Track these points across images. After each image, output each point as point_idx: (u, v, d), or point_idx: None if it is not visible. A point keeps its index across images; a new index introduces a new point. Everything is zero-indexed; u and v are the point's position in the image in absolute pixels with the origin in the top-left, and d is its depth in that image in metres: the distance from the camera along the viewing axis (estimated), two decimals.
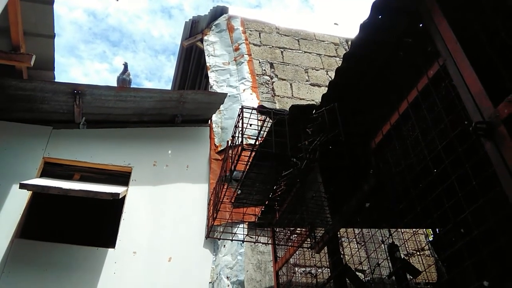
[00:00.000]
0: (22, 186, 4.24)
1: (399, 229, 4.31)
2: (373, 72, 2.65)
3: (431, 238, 5.07)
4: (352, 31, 8.24)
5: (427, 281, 4.40)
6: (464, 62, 1.84)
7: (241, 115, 2.67)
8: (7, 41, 4.78)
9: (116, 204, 5.16)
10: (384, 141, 2.55)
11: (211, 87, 6.75)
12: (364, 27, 2.34)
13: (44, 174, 5.14)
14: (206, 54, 7.38)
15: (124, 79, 6.38)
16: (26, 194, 4.81)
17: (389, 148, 2.51)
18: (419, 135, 2.14)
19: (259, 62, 7.01)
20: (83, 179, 5.26)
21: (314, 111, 2.80)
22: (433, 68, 2.14)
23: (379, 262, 3.45)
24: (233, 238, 3.84)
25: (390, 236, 3.42)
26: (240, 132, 2.61)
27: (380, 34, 2.42)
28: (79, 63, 32.85)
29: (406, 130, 2.30)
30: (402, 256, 4.31)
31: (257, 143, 2.90)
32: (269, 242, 4.12)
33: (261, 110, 2.74)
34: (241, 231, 4.27)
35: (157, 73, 35.62)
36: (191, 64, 9.13)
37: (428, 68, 2.18)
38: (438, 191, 1.94)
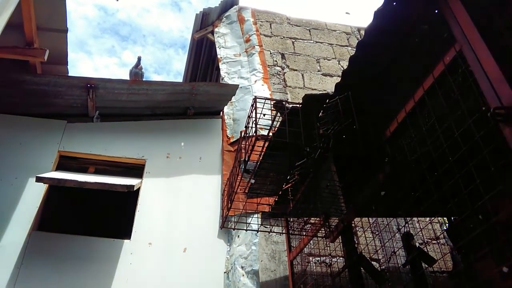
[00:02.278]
0: (39, 180, 4.31)
1: (414, 218, 4.29)
2: (387, 60, 2.62)
3: (446, 227, 5.03)
4: (363, 20, 8.16)
5: (442, 269, 4.38)
6: (482, 47, 1.81)
7: (254, 106, 2.67)
8: (21, 36, 4.83)
9: (131, 196, 5.22)
10: (399, 129, 2.53)
11: (222, 79, 6.75)
12: (378, 14, 2.32)
13: (59, 167, 5.21)
14: (217, 46, 7.37)
15: (136, 72, 6.42)
16: (43, 188, 4.90)
17: (404, 136, 2.49)
18: (435, 122, 2.11)
19: (270, 53, 6.98)
20: (97, 172, 5.33)
21: (327, 100, 2.79)
22: (449, 54, 2.10)
23: (395, 251, 3.44)
24: (248, 228, 3.85)
25: (406, 225, 3.40)
26: (254, 122, 2.62)
27: (394, 21, 2.39)
28: (89, 58, 33.11)
29: (422, 117, 2.27)
30: (417, 245, 4.30)
31: (270, 133, 2.90)
32: (283, 232, 4.14)
33: (274, 100, 2.73)
34: (255, 221, 4.29)
35: (166, 67, 35.77)
36: (202, 57, 9.13)
37: (444, 54, 2.14)
38: (456, 178, 1.92)
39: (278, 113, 2.87)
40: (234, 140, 5.89)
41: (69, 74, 5.68)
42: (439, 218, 4.98)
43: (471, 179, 1.85)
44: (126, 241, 4.74)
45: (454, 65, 2.08)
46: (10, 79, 4.90)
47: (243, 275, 4.48)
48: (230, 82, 6.52)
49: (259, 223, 4.28)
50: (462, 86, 2.01)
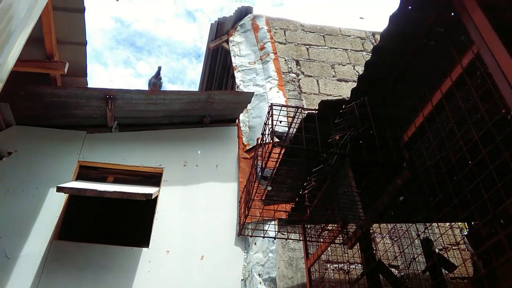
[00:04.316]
0: (59, 189, 4.39)
1: (433, 224, 4.22)
2: (403, 64, 2.61)
3: (466, 232, 4.94)
4: (378, 25, 8.13)
5: (463, 275, 4.29)
6: (500, 49, 1.80)
7: (270, 113, 2.68)
8: (42, 50, 4.95)
9: (149, 205, 5.27)
10: (417, 133, 2.51)
11: (237, 87, 6.80)
12: (393, 19, 2.32)
13: (79, 177, 5.30)
14: (232, 55, 7.43)
15: (155, 82, 6.52)
16: (63, 197, 4.98)
17: (422, 140, 2.47)
18: (454, 125, 2.09)
19: (285, 60, 7.01)
20: (116, 181, 5.40)
21: (343, 106, 2.79)
22: (467, 56, 2.09)
23: (414, 257, 3.40)
24: (265, 235, 3.85)
25: (425, 230, 3.36)
26: (270, 129, 2.63)
27: (410, 25, 2.39)
28: (104, 69, 33.70)
29: (440, 121, 2.25)
30: (437, 250, 4.22)
31: (286, 140, 2.90)
32: (300, 239, 4.12)
33: (290, 107, 2.74)
34: (272, 228, 4.29)
35: (180, 76, 36.15)
36: (218, 65, 9.21)
37: (462, 57, 2.13)
38: (476, 182, 1.90)
39: (294, 119, 2.88)
40: (250, 147, 5.91)
41: (88, 86, 5.78)
42: (459, 223, 4.90)
43: (491, 183, 1.83)
44: (144, 249, 4.78)
45: (472, 67, 2.06)
46: (32, 91, 5.02)
47: (260, 283, 4.47)
48: (245, 90, 6.56)
49: (276, 230, 4.27)
50: (481, 88, 1.99)
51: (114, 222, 7.39)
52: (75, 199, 5.33)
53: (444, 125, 2.23)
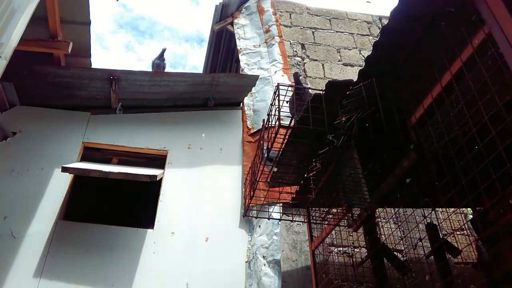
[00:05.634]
0: (64, 170, 4.40)
1: (437, 209, 4.22)
2: (412, 45, 2.58)
3: (470, 217, 4.94)
4: (385, 9, 8.01)
5: (466, 260, 4.31)
6: None
7: (277, 93, 2.66)
8: (45, 29, 4.90)
9: (153, 186, 5.29)
10: (425, 115, 2.48)
11: (242, 70, 6.74)
12: None
13: (83, 158, 5.31)
14: (236, 37, 7.36)
15: (159, 64, 6.45)
16: (68, 178, 5.00)
17: (430, 122, 2.45)
18: (463, 107, 2.07)
19: (290, 44, 6.94)
20: (121, 163, 5.40)
21: (351, 87, 2.76)
22: (478, 36, 2.06)
23: (419, 240, 3.40)
24: (270, 217, 3.86)
25: (430, 215, 3.35)
26: (277, 109, 2.61)
27: (420, 5, 2.35)
28: (106, 53, 33.54)
29: (449, 102, 2.23)
30: (441, 235, 4.23)
31: (292, 121, 2.88)
32: (305, 221, 4.13)
33: (297, 87, 2.72)
34: (276, 210, 4.30)
35: (182, 62, 35.95)
36: (222, 48, 9.13)
37: (473, 37, 2.09)
38: (485, 162, 1.88)
39: (300, 100, 2.85)
40: (254, 131, 5.89)
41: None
42: (463, 208, 4.90)
43: (500, 164, 1.81)
44: (149, 230, 4.81)
45: (483, 48, 2.03)
46: (35, 71, 5.00)
47: (264, 265, 4.51)
48: (249, 73, 6.51)
49: (281, 212, 4.28)
50: (491, 68, 1.96)
51: (119, 204, 7.43)
52: (80, 180, 5.35)
53: (453, 106, 2.21)
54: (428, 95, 2.44)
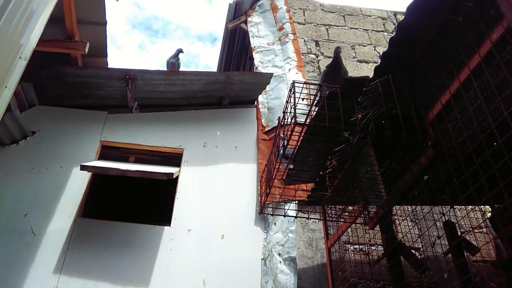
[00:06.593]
0: (83, 168, 4.47)
1: (455, 207, 4.17)
2: (429, 40, 2.55)
3: (488, 215, 4.87)
4: (400, 4, 7.93)
5: (485, 258, 4.25)
6: None
7: (293, 90, 2.66)
8: (62, 30, 4.98)
9: (170, 184, 5.34)
10: (443, 111, 2.46)
11: (256, 68, 6.75)
12: None
13: (101, 157, 5.38)
14: (250, 36, 7.37)
15: (173, 63, 6.51)
16: (86, 176, 5.08)
17: (448, 118, 2.42)
18: (482, 102, 2.04)
19: (304, 41, 6.92)
20: (138, 161, 5.47)
21: (367, 84, 2.75)
22: (497, 31, 2.03)
23: (436, 238, 3.37)
24: (286, 214, 3.86)
25: (448, 212, 3.32)
26: (293, 107, 2.61)
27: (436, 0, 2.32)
28: (119, 53, 33.88)
29: (468, 98, 2.20)
30: (459, 233, 4.18)
31: (308, 118, 2.88)
32: (320, 218, 4.13)
33: (313, 84, 2.71)
34: (292, 208, 4.30)
35: (194, 60, 36.12)
36: (236, 46, 9.16)
37: (491, 31, 2.07)
38: (504, 160, 1.86)
39: (316, 97, 2.85)
40: (269, 129, 5.90)
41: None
42: (481, 206, 4.83)
43: None
44: (166, 227, 4.86)
45: (502, 42, 2.00)
46: (54, 72, 5.09)
47: (280, 262, 4.51)
48: (264, 71, 6.51)
49: (297, 209, 4.28)
50: (510, 64, 1.93)
51: (137, 202, 7.52)
52: (98, 178, 5.43)
53: (471, 102, 2.18)
54: (445, 91, 2.41)
